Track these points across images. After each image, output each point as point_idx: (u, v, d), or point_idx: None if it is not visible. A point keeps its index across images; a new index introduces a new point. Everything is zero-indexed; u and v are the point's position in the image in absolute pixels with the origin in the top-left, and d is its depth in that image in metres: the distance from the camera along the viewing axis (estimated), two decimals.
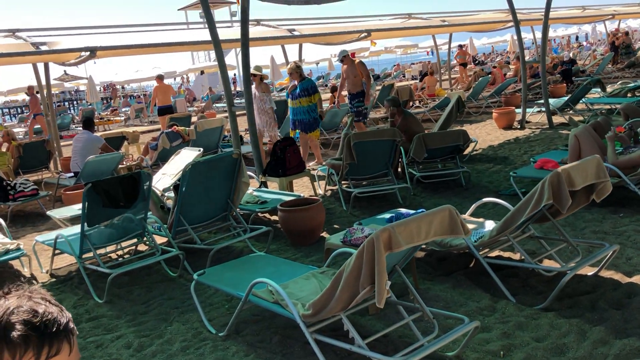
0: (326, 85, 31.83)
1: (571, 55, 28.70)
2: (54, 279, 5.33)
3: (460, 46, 25.26)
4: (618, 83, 15.00)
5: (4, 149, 10.49)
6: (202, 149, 7.72)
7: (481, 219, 4.72)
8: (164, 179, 7.28)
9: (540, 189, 3.57)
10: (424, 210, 4.76)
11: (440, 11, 17.80)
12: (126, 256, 5.67)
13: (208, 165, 5.11)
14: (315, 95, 8.90)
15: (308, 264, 4.90)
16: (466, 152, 8.23)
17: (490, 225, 4.49)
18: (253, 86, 8.94)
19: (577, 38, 48.91)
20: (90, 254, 4.86)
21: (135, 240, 5.39)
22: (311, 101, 8.86)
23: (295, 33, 13.53)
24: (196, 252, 5.25)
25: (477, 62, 29.74)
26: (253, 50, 8.20)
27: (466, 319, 3.00)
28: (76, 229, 5.38)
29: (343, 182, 6.75)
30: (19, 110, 36.00)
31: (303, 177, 7.43)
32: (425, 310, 3.10)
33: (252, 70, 8.68)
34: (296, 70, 8.87)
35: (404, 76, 33.78)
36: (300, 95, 8.86)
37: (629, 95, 12.31)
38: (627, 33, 25.41)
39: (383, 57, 48.67)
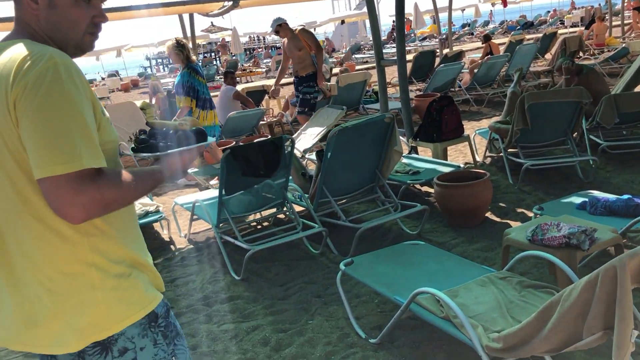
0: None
1: None
2: (191, 246, 5.05)
3: None
4: None
5: (153, 101, 10.65)
6: (345, 108, 7.07)
7: None
8: (304, 139, 6.77)
9: None
10: (631, 197, 3.72)
11: None
12: (265, 224, 5.26)
13: (356, 131, 4.41)
14: (186, 99, 6.02)
15: (472, 252, 4.11)
16: None
17: None
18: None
19: None
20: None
21: (274, 210, 4.96)
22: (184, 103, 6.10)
23: None
24: (338, 225, 4.64)
25: None
26: None
27: None
28: (214, 192, 5.05)
29: (509, 149, 5.75)
30: (170, 60, 37.54)
31: (458, 144, 6.51)
32: None
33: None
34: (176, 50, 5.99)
35: (562, 23, 30.48)
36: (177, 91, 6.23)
37: None
38: None
39: (536, 2, 44.48)
